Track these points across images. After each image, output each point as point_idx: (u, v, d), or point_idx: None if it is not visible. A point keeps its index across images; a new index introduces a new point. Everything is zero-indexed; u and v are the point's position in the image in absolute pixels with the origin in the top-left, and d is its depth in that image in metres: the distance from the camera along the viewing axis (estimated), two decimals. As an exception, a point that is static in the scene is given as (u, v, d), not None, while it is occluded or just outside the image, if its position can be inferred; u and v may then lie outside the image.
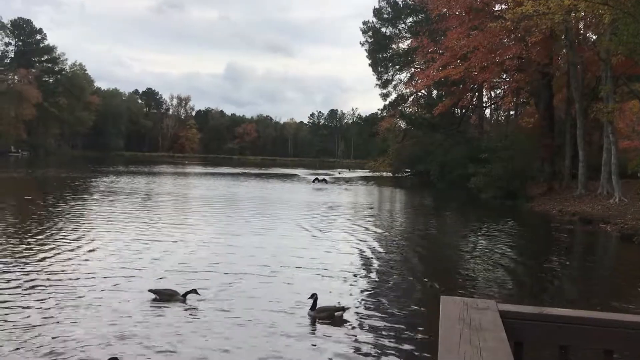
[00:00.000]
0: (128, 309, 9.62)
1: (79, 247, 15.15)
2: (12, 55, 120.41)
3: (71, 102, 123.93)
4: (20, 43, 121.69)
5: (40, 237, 16.58)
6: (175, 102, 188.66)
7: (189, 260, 13.86)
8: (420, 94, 63.53)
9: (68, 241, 15.87)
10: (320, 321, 9.20)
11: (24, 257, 13.55)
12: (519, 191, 34.10)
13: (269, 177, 62.69)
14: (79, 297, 10.23)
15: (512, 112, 60.45)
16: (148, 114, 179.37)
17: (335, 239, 18.65)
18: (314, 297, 9.42)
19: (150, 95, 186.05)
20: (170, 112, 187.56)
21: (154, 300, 10.03)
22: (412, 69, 61.79)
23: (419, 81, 47.62)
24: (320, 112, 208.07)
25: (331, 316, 9.30)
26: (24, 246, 14.99)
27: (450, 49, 36.72)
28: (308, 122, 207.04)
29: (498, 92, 55.86)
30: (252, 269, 13.12)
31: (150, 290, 10.22)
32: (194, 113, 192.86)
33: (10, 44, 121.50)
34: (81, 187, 37.95)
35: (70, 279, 11.51)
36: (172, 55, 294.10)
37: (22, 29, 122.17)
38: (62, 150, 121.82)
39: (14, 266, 12.44)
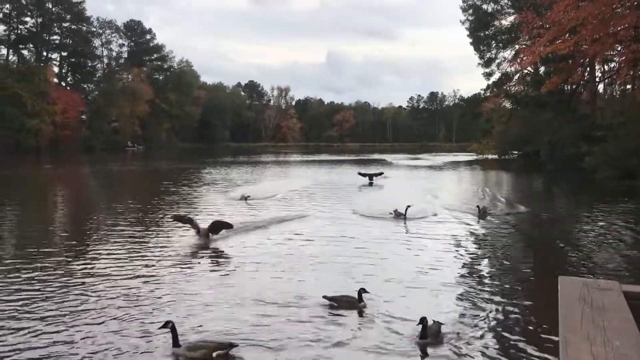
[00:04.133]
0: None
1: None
2: (126, 56, 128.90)
3: (180, 97, 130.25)
4: (133, 43, 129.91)
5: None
6: (275, 93, 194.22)
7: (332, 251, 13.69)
8: (526, 71, 60.67)
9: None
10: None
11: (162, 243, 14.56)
12: (638, 171, 31.90)
13: (367, 163, 62.76)
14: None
15: (628, 86, 56.28)
16: (251, 105, 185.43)
17: (446, 221, 18.62)
18: (423, 322, 7.62)
19: (252, 88, 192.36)
20: (272, 102, 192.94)
21: (330, 307, 9.03)
22: (517, 46, 58.96)
23: (524, 58, 45.24)
24: (419, 95, 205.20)
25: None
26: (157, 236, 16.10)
27: (558, 23, 34.76)
28: (407, 106, 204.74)
29: (612, 65, 52.09)
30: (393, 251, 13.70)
31: (325, 297, 9.17)
32: (293, 103, 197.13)
33: (123, 45, 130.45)
34: (201, 176, 39.80)
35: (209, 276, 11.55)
36: (273, 46, 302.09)
37: (134, 30, 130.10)
38: (173, 144, 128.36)
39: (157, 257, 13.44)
